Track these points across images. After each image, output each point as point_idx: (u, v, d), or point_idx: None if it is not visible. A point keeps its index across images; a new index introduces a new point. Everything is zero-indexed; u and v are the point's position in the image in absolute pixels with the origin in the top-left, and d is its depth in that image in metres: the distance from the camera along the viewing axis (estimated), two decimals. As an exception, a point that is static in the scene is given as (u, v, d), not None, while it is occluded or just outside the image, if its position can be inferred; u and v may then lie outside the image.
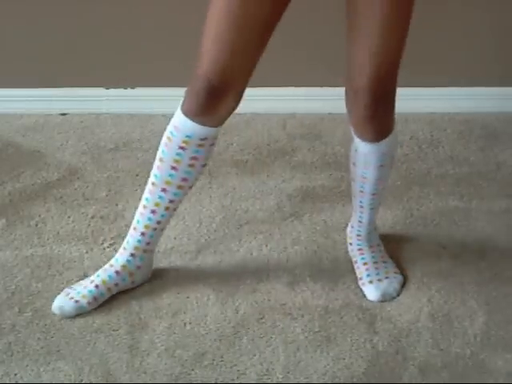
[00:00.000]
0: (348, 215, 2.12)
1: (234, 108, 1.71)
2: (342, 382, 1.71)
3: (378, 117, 1.74)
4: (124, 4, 2.54)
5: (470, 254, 2.06)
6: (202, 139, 1.73)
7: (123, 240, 1.90)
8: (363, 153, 1.83)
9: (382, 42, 1.62)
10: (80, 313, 1.86)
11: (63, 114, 2.70)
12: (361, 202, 1.94)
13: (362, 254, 2.00)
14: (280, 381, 1.71)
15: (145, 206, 1.84)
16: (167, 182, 1.78)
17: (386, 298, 1.92)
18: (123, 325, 1.84)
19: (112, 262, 1.92)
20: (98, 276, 1.90)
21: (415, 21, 1.65)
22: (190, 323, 1.85)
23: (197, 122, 1.71)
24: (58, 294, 1.90)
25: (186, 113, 1.71)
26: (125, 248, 1.91)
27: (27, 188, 2.31)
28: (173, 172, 1.77)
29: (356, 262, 2.00)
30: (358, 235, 2.02)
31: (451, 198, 2.28)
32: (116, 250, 1.95)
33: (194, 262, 2.04)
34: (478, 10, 2.54)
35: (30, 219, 2.18)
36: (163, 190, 1.80)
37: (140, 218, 1.86)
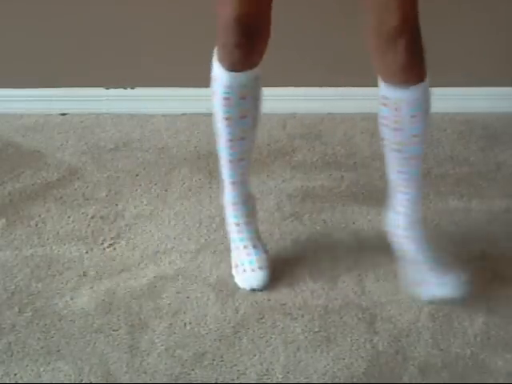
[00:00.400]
0: (348, 215, 2.12)
1: (268, 42, 1.75)
2: (342, 382, 1.71)
3: (416, 55, 1.73)
4: (124, 4, 2.54)
5: (470, 254, 2.06)
6: (254, 81, 1.80)
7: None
8: (394, 99, 1.77)
9: None
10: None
11: (63, 114, 2.69)
12: (400, 172, 1.84)
13: (417, 246, 1.88)
14: (280, 381, 1.71)
15: (230, 160, 1.91)
16: (243, 131, 1.86)
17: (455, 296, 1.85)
18: (123, 325, 1.84)
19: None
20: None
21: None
22: (190, 323, 1.85)
23: (245, 70, 1.76)
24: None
25: (232, 67, 1.76)
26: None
27: (27, 188, 2.31)
28: (243, 120, 1.84)
29: (408, 258, 1.89)
30: (407, 221, 1.88)
31: (451, 198, 2.27)
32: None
33: (194, 262, 2.04)
34: (478, 9, 2.54)
35: (30, 219, 2.18)
36: (242, 138, 1.87)
37: (230, 171, 1.94)
